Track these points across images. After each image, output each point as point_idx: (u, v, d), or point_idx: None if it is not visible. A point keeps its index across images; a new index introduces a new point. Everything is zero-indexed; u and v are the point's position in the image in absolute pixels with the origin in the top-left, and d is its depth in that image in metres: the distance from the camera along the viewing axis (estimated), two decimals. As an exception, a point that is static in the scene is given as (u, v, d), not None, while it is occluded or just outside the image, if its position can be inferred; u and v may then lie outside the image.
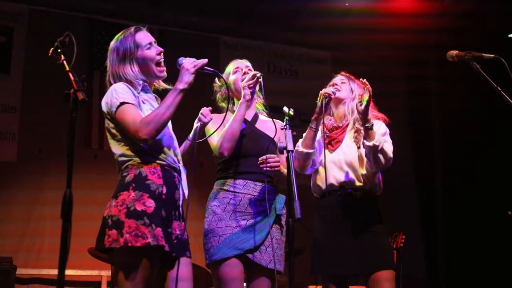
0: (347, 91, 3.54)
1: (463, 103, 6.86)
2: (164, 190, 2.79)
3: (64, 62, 2.40)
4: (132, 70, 2.93)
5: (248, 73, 3.48)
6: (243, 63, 3.58)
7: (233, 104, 3.53)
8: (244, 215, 3.27)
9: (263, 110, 3.58)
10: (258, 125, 3.49)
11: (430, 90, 8.23)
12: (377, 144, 3.26)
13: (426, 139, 8.27)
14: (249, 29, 7.90)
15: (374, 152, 3.29)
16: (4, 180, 6.58)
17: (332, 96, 3.43)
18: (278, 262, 3.28)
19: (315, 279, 3.49)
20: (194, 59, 2.91)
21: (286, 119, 3.08)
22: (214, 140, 3.33)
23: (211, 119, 3.38)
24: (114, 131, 2.87)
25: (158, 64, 2.99)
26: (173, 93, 2.82)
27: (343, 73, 3.66)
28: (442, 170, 8.12)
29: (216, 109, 3.54)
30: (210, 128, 3.39)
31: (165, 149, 2.89)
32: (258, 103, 3.57)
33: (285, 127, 3.04)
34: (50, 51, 2.45)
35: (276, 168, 3.25)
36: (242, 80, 3.41)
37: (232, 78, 3.52)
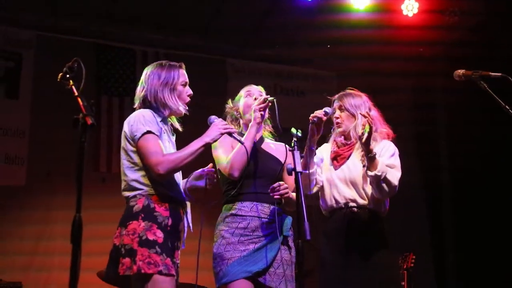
0: (348, 119, 3.54)
1: (470, 116, 6.85)
2: (170, 222, 2.89)
3: (73, 87, 2.43)
4: (173, 98, 3.06)
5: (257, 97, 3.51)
6: (256, 89, 3.61)
7: (238, 127, 3.58)
8: (252, 238, 3.27)
9: (271, 138, 3.61)
10: (264, 147, 3.50)
11: (436, 103, 8.22)
12: (379, 174, 3.27)
13: (433, 154, 8.23)
14: (254, 51, 7.94)
15: (377, 181, 3.30)
16: (13, 204, 6.58)
17: (324, 118, 3.37)
18: (288, 283, 3.27)
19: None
20: (225, 122, 3.15)
21: (294, 140, 3.09)
22: (223, 160, 3.35)
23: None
24: (132, 154, 2.95)
25: (186, 103, 3.14)
26: (199, 143, 2.96)
27: (338, 98, 3.63)
28: (452, 187, 8.07)
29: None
30: (217, 146, 3.40)
31: (175, 183, 3.02)
32: (265, 131, 3.60)
33: (293, 148, 3.05)
34: (59, 77, 2.48)
35: (285, 196, 3.27)
36: (251, 107, 3.45)
37: (241, 102, 3.56)
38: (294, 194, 3.30)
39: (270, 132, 3.62)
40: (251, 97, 3.54)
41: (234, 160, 3.28)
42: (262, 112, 3.39)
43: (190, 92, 3.16)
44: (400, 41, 7.20)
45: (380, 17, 7.10)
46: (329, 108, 3.45)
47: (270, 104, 3.39)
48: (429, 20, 7.03)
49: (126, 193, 2.95)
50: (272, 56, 8.08)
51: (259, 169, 3.38)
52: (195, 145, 2.94)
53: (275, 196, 3.25)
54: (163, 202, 2.90)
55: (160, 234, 2.81)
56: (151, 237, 2.78)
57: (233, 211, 3.33)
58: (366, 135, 3.22)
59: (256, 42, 7.77)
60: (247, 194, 3.35)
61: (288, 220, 3.38)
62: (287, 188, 3.27)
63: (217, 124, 3.06)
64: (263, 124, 3.53)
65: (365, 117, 3.27)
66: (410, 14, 6.97)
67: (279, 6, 7.08)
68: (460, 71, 3.15)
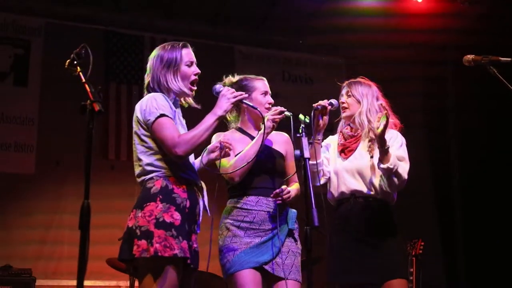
0: (354, 105, 3.53)
1: (481, 104, 6.81)
2: (188, 204, 2.85)
3: (80, 73, 2.42)
4: (175, 80, 2.99)
5: (272, 102, 3.46)
6: (268, 88, 3.53)
7: (237, 120, 3.53)
8: (258, 232, 3.25)
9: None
10: (267, 142, 3.43)
11: (446, 92, 8.18)
12: (391, 167, 3.25)
13: (443, 143, 8.21)
14: (263, 38, 7.92)
15: (388, 174, 3.29)
16: (23, 192, 6.62)
17: (328, 107, 3.37)
18: (297, 273, 3.28)
19: (333, 287, 3.48)
20: (232, 90, 3.04)
21: (302, 126, 3.07)
22: (225, 164, 3.27)
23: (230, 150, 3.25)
24: (145, 138, 2.90)
25: (192, 83, 3.06)
26: (211, 117, 2.90)
27: (347, 83, 3.63)
28: (460, 174, 8.05)
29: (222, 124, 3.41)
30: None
31: (190, 165, 2.98)
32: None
33: (301, 134, 3.04)
34: (66, 63, 2.46)
35: (288, 200, 3.26)
36: (265, 106, 3.39)
37: (255, 96, 3.43)
38: (294, 188, 3.34)
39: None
40: (267, 97, 3.47)
41: (236, 167, 3.24)
42: (275, 123, 3.33)
43: (198, 71, 3.07)
44: (409, 28, 7.16)
45: (390, 4, 7.06)
46: (335, 100, 3.45)
47: (284, 117, 3.31)
48: (439, 8, 6.98)
49: (142, 177, 2.90)
50: (280, 43, 8.05)
51: (263, 165, 3.35)
52: (208, 120, 2.88)
53: (277, 201, 3.24)
54: (180, 184, 2.86)
55: (177, 216, 2.77)
56: (168, 219, 2.74)
57: (238, 205, 3.31)
58: (381, 127, 3.19)
59: (265, 29, 7.75)
60: (252, 189, 3.32)
61: (293, 214, 3.37)
62: (289, 192, 3.27)
63: (225, 94, 2.98)
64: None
65: (385, 109, 3.25)
66: (420, 0, 6.92)
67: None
68: (470, 56, 3.13)
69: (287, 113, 3.29)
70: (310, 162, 3.33)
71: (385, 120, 3.19)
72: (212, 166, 3.22)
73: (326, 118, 3.40)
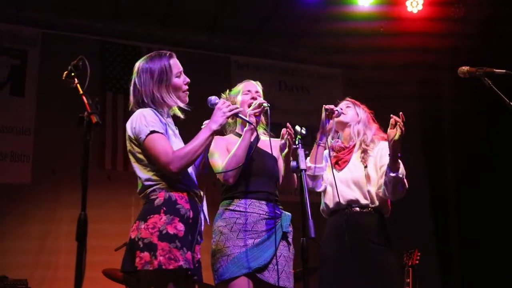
0: (352, 115, 3.62)
1: (476, 111, 6.81)
2: (191, 215, 2.84)
3: (78, 85, 2.41)
4: (170, 95, 2.96)
5: (256, 98, 3.49)
6: (254, 87, 3.58)
7: (235, 125, 3.57)
8: (251, 234, 3.26)
9: (264, 131, 3.54)
10: (260, 145, 3.47)
11: (442, 97, 8.19)
12: (400, 176, 3.27)
13: (438, 151, 8.21)
14: (259, 48, 7.95)
15: (395, 183, 3.29)
16: (19, 202, 6.61)
17: (335, 112, 3.47)
18: (287, 279, 3.27)
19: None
20: (228, 102, 3.01)
21: (299, 138, 3.09)
22: (219, 165, 3.31)
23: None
24: (140, 156, 2.88)
25: (184, 92, 3.04)
26: (206, 132, 2.89)
27: (348, 98, 3.73)
28: (457, 184, 8.05)
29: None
30: (213, 151, 3.37)
31: (188, 175, 2.95)
32: (259, 127, 3.53)
33: (297, 146, 3.04)
34: (64, 75, 2.46)
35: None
36: (249, 105, 3.42)
37: (239, 99, 3.52)
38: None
39: (263, 126, 3.55)
40: (249, 95, 3.52)
41: (228, 168, 3.26)
42: (257, 117, 3.38)
43: (187, 80, 3.05)
44: (405, 33, 7.15)
45: (385, 10, 7.08)
46: (341, 110, 3.52)
47: (265, 109, 3.36)
48: (435, 13, 7.00)
49: (144, 192, 2.88)
50: (277, 52, 8.07)
51: (256, 168, 3.36)
52: (203, 135, 2.86)
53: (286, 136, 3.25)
54: (182, 194, 2.85)
55: (181, 227, 2.75)
56: (171, 231, 2.72)
57: (231, 207, 3.32)
58: (398, 134, 3.20)
59: (261, 39, 7.77)
60: (245, 192, 3.33)
61: (288, 217, 3.38)
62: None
63: (220, 107, 2.95)
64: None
65: (398, 121, 3.24)
66: (415, 11, 6.94)
67: (285, 2, 7.08)
68: (465, 68, 3.15)
69: (265, 104, 3.34)
70: (315, 165, 3.37)
71: (400, 133, 3.20)
72: (208, 168, 3.24)
73: (332, 122, 3.48)
